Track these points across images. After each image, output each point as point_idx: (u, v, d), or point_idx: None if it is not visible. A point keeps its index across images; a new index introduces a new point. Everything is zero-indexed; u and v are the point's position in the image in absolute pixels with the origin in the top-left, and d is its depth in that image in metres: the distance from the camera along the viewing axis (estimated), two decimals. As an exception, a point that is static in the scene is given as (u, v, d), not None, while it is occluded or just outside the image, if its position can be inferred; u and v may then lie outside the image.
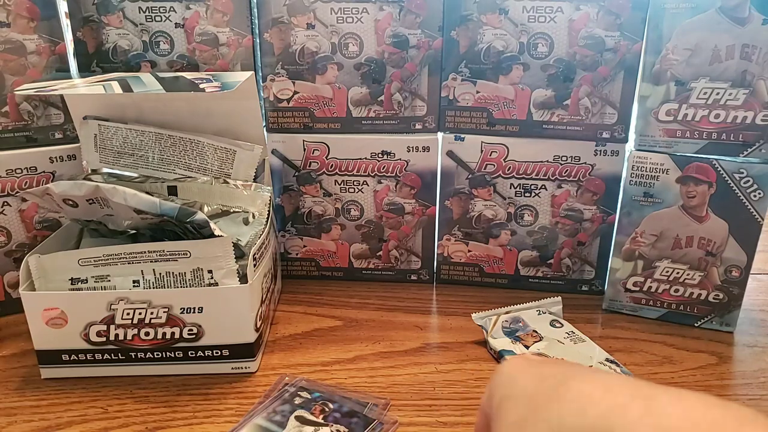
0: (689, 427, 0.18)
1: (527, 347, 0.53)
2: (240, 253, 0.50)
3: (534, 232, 0.65)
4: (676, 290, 0.60)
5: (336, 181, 0.64)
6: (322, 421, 0.45)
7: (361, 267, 0.68)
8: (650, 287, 0.61)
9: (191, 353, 0.51)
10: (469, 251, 0.67)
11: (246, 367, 0.52)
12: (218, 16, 0.59)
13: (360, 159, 0.63)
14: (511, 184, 0.63)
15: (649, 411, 0.19)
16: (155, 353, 0.51)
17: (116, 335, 0.50)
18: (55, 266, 0.49)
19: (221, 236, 0.49)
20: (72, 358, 0.51)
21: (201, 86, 0.51)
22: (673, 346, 0.57)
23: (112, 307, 0.49)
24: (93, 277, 0.49)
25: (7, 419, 0.47)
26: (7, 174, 0.58)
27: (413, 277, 0.69)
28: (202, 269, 0.49)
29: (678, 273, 0.60)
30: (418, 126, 0.63)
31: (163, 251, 0.48)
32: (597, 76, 0.58)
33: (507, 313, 0.58)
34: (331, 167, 0.64)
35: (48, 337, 0.50)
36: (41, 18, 0.57)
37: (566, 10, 0.56)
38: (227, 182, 0.57)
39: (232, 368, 0.52)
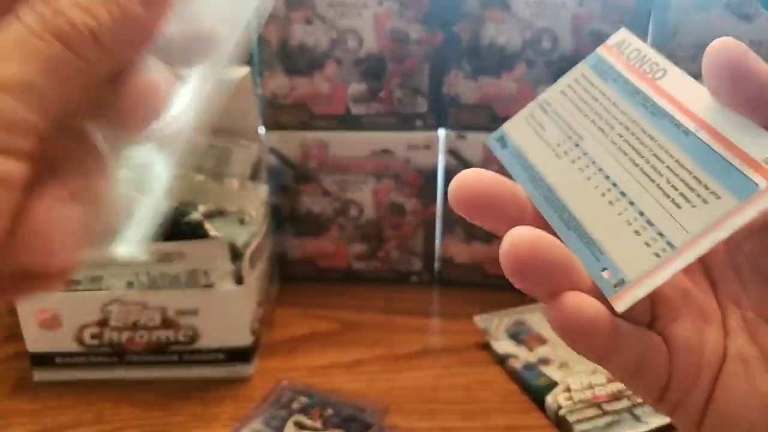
0: None
1: (531, 350, 0.52)
2: (236, 254, 0.49)
3: (537, 232, 0.64)
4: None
5: (335, 179, 0.64)
6: (321, 426, 0.44)
7: (360, 268, 0.68)
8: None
9: (186, 356, 0.50)
10: (471, 252, 0.66)
11: (242, 371, 0.51)
12: (215, 11, 0.59)
13: (359, 157, 0.63)
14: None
15: None
16: (150, 356, 0.50)
17: (110, 337, 0.49)
18: (47, 267, 0.48)
19: (217, 237, 0.48)
20: (65, 361, 0.50)
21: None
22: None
23: (106, 308, 0.48)
24: (87, 278, 0.49)
25: (0, 423, 0.46)
26: None
27: (413, 279, 0.68)
28: (197, 270, 0.48)
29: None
30: (419, 123, 0.62)
31: (158, 252, 0.48)
32: (602, 72, 0.57)
33: (510, 315, 0.57)
34: (329, 166, 0.63)
35: (41, 340, 0.49)
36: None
37: (569, 6, 0.56)
38: (223, 181, 0.56)
39: (229, 372, 0.51)
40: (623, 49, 0.24)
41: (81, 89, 0.15)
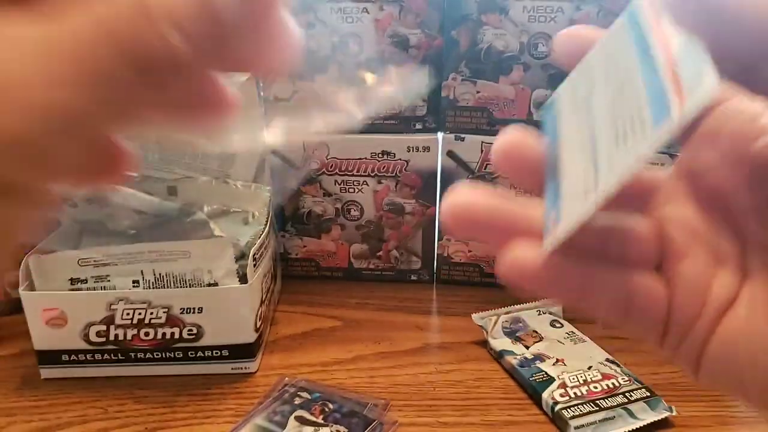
0: None
1: (527, 347, 0.53)
2: (240, 253, 0.50)
3: (534, 232, 0.64)
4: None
5: (336, 180, 0.64)
6: (322, 422, 0.45)
7: (361, 267, 0.68)
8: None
9: (191, 353, 0.51)
10: (469, 251, 0.67)
11: (246, 368, 0.52)
12: (218, 15, 0.59)
13: (360, 159, 0.63)
14: (512, 184, 0.63)
15: None
16: (155, 353, 0.51)
17: (116, 335, 0.50)
18: (54, 266, 0.49)
19: (221, 236, 0.49)
20: (72, 359, 0.50)
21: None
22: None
23: (112, 307, 0.49)
24: (93, 277, 0.49)
25: (7, 419, 0.47)
26: (6, 174, 0.58)
27: (413, 278, 0.69)
28: (201, 269, 0.49)
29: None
30: (418, 126, 0.63)
31: (163, 251, 0.48)
32: (597, 76, 0.58)
33: (507, 313, 0.58)
34: (331, 167, 0.64)
35: (48, 337, 0.50)
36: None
37: (567, 10, 0.56)
38: (227, 182, 0.57)
39: (232, 368, 0.52)
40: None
41: None
